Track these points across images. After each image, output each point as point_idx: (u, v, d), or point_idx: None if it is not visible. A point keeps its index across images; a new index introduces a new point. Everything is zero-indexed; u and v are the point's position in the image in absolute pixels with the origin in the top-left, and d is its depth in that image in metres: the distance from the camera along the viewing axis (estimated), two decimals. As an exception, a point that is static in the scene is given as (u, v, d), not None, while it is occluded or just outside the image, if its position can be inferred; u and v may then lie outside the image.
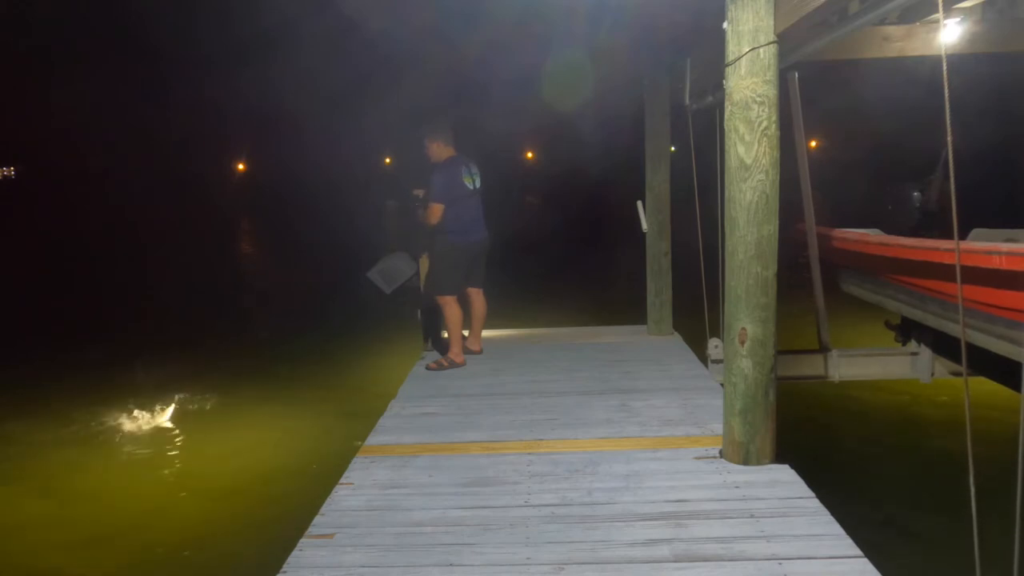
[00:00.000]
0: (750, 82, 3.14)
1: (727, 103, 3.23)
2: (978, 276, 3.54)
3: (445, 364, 5.35)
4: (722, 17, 3.25)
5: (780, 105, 3.20)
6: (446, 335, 5.50)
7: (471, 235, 5.33)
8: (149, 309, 12.63)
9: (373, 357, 8.86)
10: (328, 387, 8.03)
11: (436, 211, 5.16)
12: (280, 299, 13.91)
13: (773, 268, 3.24)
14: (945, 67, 2.17)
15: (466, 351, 5.60)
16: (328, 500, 3.20)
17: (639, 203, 6.07)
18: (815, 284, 5.10)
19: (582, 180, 36.04)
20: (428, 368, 5.35)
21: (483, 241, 5.42)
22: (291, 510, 4.36)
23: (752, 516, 2.88)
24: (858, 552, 2.58)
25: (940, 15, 2.78)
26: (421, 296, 5.79)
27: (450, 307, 5.33)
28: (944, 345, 4.88)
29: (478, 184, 5.35)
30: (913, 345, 5.14)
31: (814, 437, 5.80)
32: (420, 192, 5.38)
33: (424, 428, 4.12)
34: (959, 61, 4.24)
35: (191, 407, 7.38)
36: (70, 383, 8.19)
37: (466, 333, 5.85)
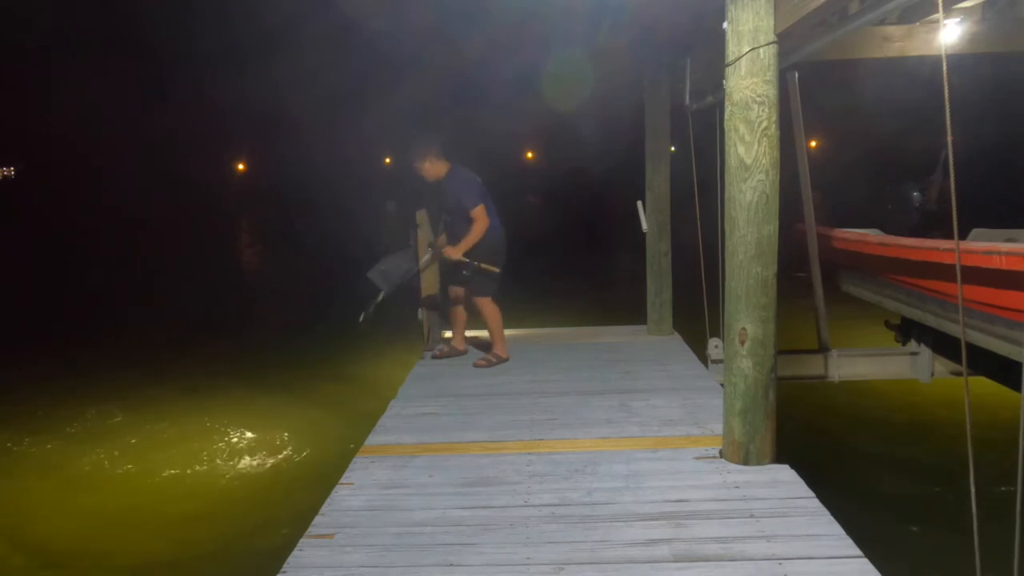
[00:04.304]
0: (750, 82, 3.14)
1: (727, 103, 3.23)
2: (978, 276, 3.54)
3: (493, 360, 5.34)
4: (722, 17, 3.25)
5: (780, 105, 3.20)
6: (487, 334, 5.49)
7: (500, 230, 5.28)
8: (148, 309, 12.62)
9: (373, 357, 8.85)
10: (328, 387, 8.03)
11: (482, 212, 5.06)
12: (280, 299, 13.90)
13: (773, 268, 3.24)
14: (945, 67, 2.18)
15: (453, 351, 5.63)
16: (328, 500, 3.19)
17: (639, 203, 6.07)
18: (815, 284, 5.10)
19: (582, 180, 36.02)
20: (476, 365, 5.30)
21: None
22: (291, 510, 4.37)
23: (752, 516, 2.88)
24: (858, 552, 2.57)
25: (940, 15, 2.78)
26: (429, 293, 5.82)
27: (487, 307, 5.29)
28: (944, 345, 4.88)
29: None
30: (913, 345, 5.15)
31: (814, 437, 5.79)
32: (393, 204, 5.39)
33: (424, 428, 4.12)
34: (959, 61, 4.24)
35: (190, 408, 7.37)
36: (67, 383, 8.19)
37: (448, 334, 5.89)
